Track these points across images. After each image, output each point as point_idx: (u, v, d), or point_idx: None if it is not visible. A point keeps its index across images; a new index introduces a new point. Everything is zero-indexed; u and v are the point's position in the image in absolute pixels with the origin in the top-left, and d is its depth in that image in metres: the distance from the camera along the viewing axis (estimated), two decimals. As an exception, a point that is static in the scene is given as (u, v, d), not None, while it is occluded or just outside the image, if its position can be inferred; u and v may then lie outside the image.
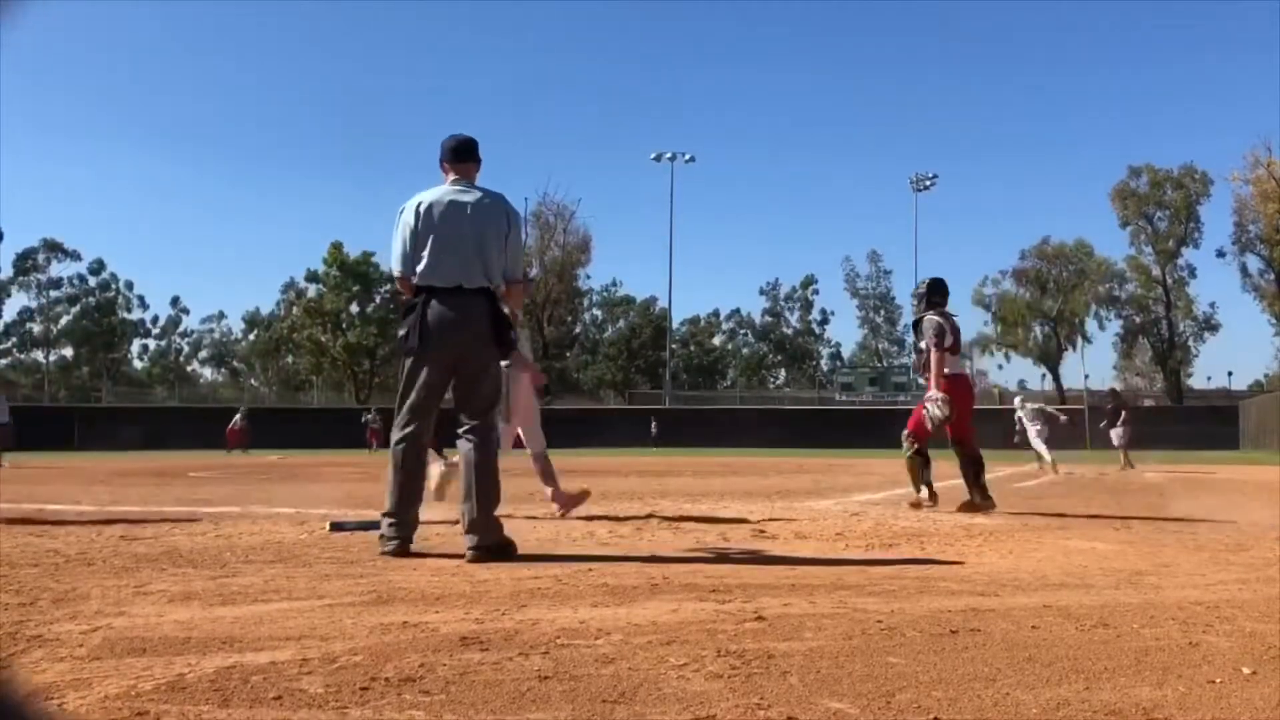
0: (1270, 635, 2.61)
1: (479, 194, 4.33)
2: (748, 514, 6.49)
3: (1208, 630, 2.67)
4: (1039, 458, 15.70)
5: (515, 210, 4.43)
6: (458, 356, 4.25)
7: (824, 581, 3.50)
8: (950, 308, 7.18)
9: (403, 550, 4.14)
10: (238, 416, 32.71)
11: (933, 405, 6.75)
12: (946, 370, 6.81)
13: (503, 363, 4.64)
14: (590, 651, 2.37)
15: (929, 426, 6.83)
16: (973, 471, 6.79)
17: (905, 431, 7.04)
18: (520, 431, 6.36)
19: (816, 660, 2.30)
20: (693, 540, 4.90)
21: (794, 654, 2.36)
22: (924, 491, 6.99)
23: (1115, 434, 17.43)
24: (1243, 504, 8.00)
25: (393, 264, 4.36)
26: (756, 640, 2.51)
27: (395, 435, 4.31)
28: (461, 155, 4.42)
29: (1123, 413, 17.73)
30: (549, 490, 6.28)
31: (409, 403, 4.29)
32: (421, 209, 4.28)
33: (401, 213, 4.34)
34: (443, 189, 4.36)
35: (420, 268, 4.24)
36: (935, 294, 7.18)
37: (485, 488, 4.17)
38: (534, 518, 5.96)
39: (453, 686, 2.06)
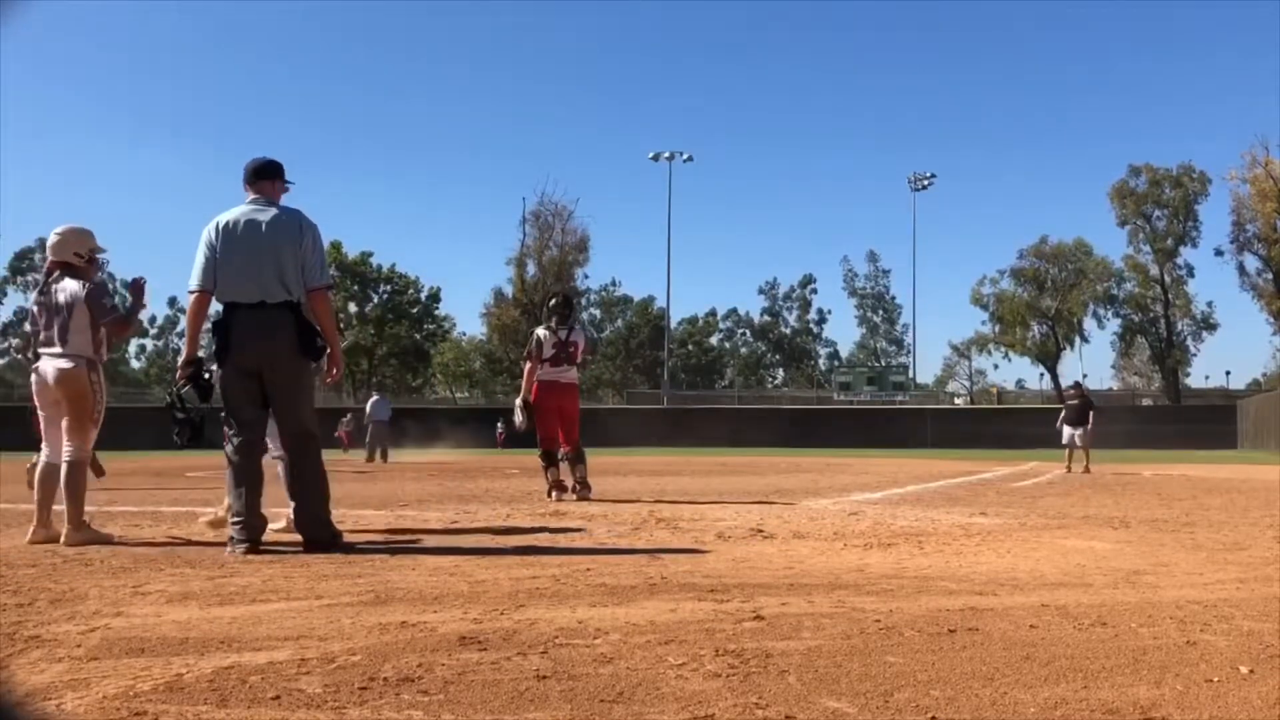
0: (1268, 634, 2.62)
1: (275, 211, 4.53)
2: (746, 514, 6.49)
3: (1205, 629, 2.68)
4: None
5: (311, 222, 4.59)
6: (263, 367, 4.45)
7: (822, 581, 3.50)
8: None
9: (253, 549, 4.31)
10: (348, 418, 32.76)
11: (515, 412, 8.23)
12: (541, 377, 8.05)
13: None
14: (589, 651, 2.38)
15: (517, 430, 8.30)
16: (566, 463, 8.07)
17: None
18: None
19: (815, 659, 2.30)
20: (691, 540, 4.90)
21: (792, 653, 2.36)
22: (553, 491, 7.94)
23: (1078, 432, 15.18)
24: (1242, 503, 8.01)
25: (190, 279, 4.48)
26: (755, 640, 2.51)
27: (227, 444, 4.55)
28: (261, 175, 4.62)
29: (1090, 411, 15.48)
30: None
31: (230, 413, 4.53)
32: (221, 228, 4.46)
33: (204, 232, 4.48)
34: (241, 208, 4.55)
35: (224, 285, 4.44)
36: (552, 313, 8.31)
37: (309, 489, 4.50)
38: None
39: (451, 686, 2.06)
